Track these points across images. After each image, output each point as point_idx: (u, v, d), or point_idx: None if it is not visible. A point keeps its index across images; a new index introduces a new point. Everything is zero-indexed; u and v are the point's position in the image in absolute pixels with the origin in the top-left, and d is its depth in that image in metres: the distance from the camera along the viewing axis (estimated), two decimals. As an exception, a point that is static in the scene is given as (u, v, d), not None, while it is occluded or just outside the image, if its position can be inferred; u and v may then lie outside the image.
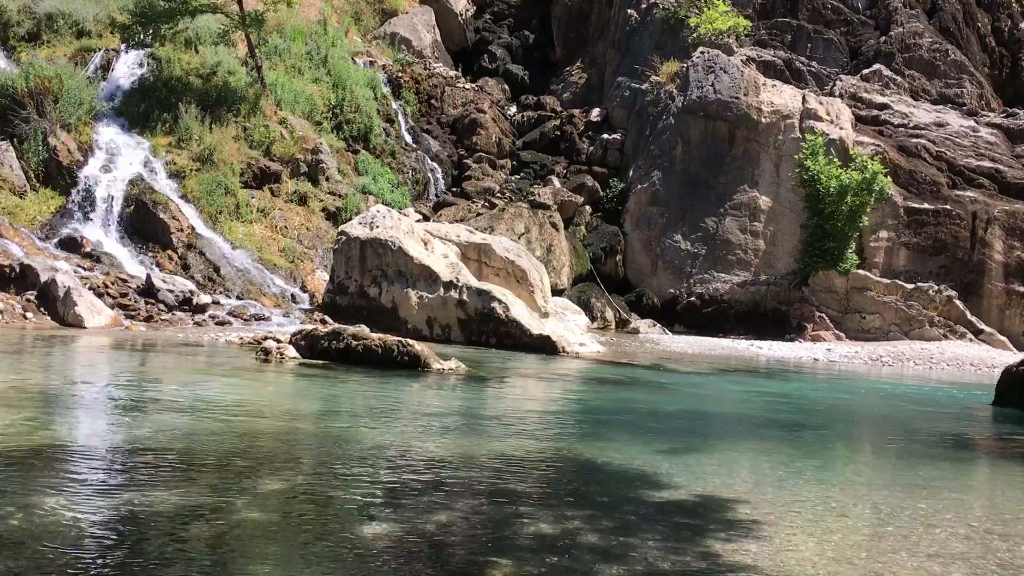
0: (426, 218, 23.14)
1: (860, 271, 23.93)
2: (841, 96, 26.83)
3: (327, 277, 19.77)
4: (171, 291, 17.64)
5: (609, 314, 23.63)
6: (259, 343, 13.91)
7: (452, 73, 30.53)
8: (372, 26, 31.69)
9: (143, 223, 19.71)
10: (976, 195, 25.19)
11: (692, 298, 24.28)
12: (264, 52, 24.94)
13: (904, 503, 7.04)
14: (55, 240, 18.91)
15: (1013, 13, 30.87)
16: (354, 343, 13.13)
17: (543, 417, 10.79)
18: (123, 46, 23.33)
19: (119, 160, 20.67)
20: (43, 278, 16.43)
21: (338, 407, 10.18)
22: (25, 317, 15.85)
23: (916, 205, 24.84)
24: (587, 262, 24.78)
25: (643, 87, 27.17)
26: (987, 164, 26.02)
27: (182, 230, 19.72)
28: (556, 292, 22.43)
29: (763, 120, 24.65)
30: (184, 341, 15.06)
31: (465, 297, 17.64)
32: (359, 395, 11.18)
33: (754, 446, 9.43)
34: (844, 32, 30.08)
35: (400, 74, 28.49)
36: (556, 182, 26.46)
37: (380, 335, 13.67)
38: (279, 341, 13.74)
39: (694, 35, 27.41)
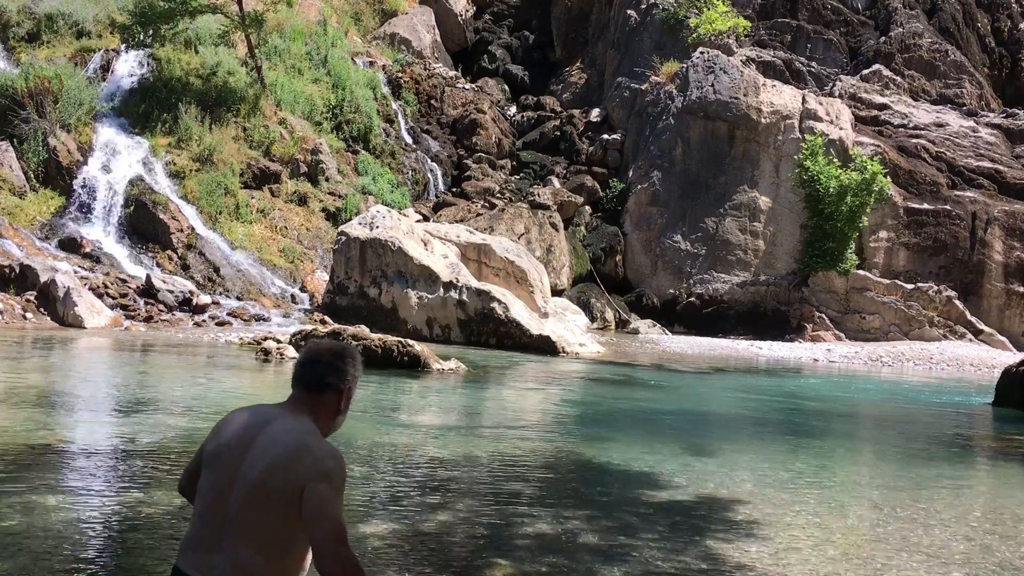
0: (426, 218, 23.13)
1: (860, 271, 23.90)
2: (841, 96, 26.81)
3: (327, 277, 19.76)
4: (171, 291, 17.64)
5: (609, 314, 23.62)
6: (259, 343, 13.91)
7: (452, 73, 30.52)
8: (372, 26, 31.68)
9: (143, 223, 19.70)
10: (976, 195, 25.17)
11: (692, 298, 24.26)
12: (264, 52, 24.92)
13: (904, 503, 7.04)
14: (55, 240, 18.89)
15: (1013, 13, 30.86)
16: (354, 343, 13.13)
17: (543, 417, 10.80)
18: (123, 46, 23.31)
19: (119, 160, 20.65)
20: (43, 278, 16.43)
21: (338, 407, 10.17)
22: (25, 317, 15.84)
23: (916, 205, 24.82)
24: (587, 262, 24.77)
25: (643, 87, 27.16)
26: (987, 164, 26.00)
27: (182, 230, 19.72)
28: (556, 292, 22.42)
29: (763, 120, 24.64)
30: (184, 341, 15.05)
31: (465, 297, 17.63)
32: (359, 395, 11.17)
33: (754, 446, 9.43)
34: (844, 32, 30.06)
35: (400, 74, 28.48)
36: (556, 182, 26.44)
37: (380, 335, 13.67)
38: (279, 341, 13.74)
39: (694, 35, 27.39)
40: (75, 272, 17.31)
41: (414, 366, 12.83)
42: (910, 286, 23.64)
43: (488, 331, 17.57)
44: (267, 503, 2.52)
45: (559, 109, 29.78)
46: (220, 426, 2.75)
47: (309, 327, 14.58)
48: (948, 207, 24.81)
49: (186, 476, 2.85)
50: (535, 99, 30.53)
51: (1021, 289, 24.29)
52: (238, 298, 18.95)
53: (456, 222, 22.55)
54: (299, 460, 2.53)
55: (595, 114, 28.80)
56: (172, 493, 5.89)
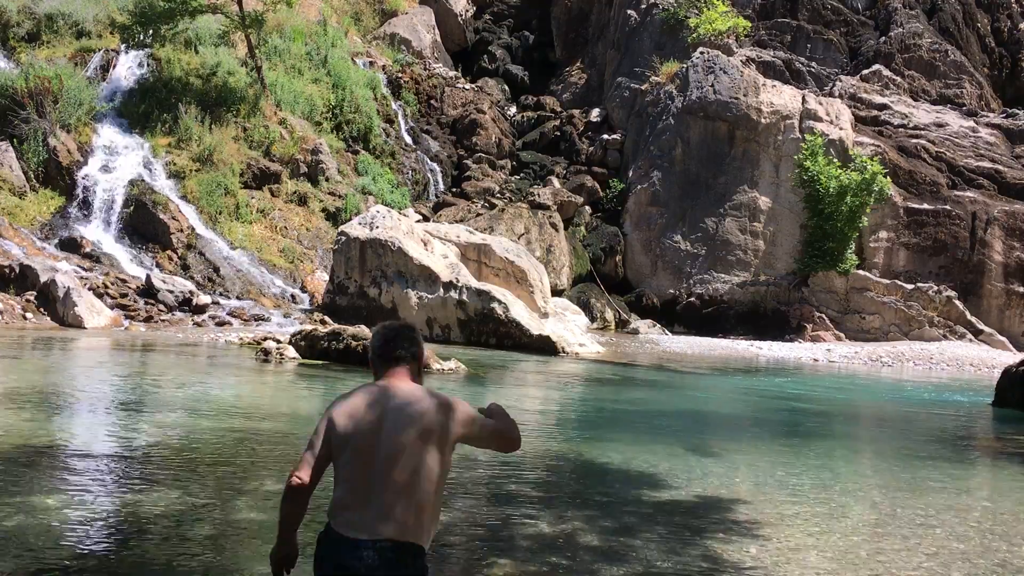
0: (426, 218, 23.13)
1: (860, 271, 23.89)
2: (841, 96, 26.80)
3: (327, 277, 19.76)
4: (171, 291, 17.64)
5: (609, 314, 23.62)
6: (259, 343, 13.91)
7: (452, 73, 30.53)
8: (372, 26, 31.68)
9: (143, 223, 19.71)
10: (976, 195, 25.16)
11: (692, 298, 24.26)
12: (264, 52, 24.93)
13: (904, 503, 7.04)
14: (55, 240, 18.90)
15: (1013, 13, 30.84)
16: (354, 343, 13.13)
17: (543, 417, 10.79)
18: (123, 46, 23.32)
19: (119, 160, 20.66)
20: (43, 278, 16.43)
21: (338, 407, 10.16)
22: (25, 317, 15.84)
23: (916, 205, 24.82)
24: (587, 262, 24.77)
25: (643, 87, 27.16)
26: (987, 164, 26.00)
27: (182, 230, 19.72)
28: (556, 292, 22.41)
29: (763, 120, 24.64)
30: (184, 341, 15.05)
31: (465, 297, 17.63)
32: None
33: (754, 446, 9.43)
34: (844, 32, 30.06)
35: (400, 74, 28.48)
36: (556, 182, 26.45)
37: (380, 335, 13.62)
38: (279, 341, 13.74)
39: (694, 35, 27.40)
40: (75, 272, 17.32)
41: (414, 366, 12.80)
42: (910, 286, 23.63)
43: (488, 331, 17.57)
44: (419, 457, 2.99)
45: (559, 109, 29.78)
46: (342, 412, 3.08)
47: (309, 327, 14.57)
48: (948, 207, 24.81)
49: (312, 473, 3.11)
50: (535, 99, 30.53)
51: (1021, 289, 24.28)
52: (238, 298, 18.95)
53: (456, 222, 22.54)
54: (440, 410, 3.07)
55: (595, 114, 28.80)
56: (172, 493, 5.89)
